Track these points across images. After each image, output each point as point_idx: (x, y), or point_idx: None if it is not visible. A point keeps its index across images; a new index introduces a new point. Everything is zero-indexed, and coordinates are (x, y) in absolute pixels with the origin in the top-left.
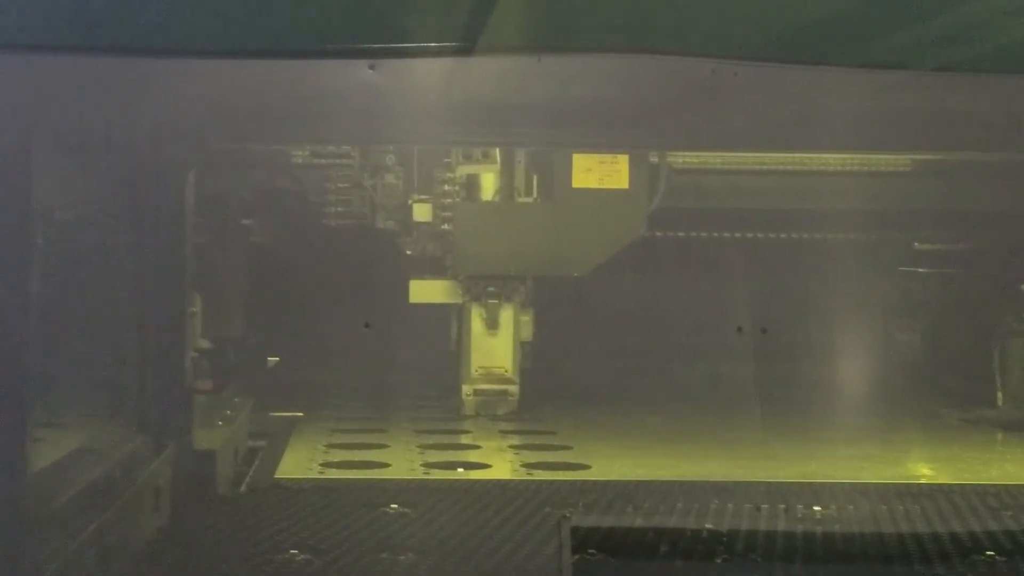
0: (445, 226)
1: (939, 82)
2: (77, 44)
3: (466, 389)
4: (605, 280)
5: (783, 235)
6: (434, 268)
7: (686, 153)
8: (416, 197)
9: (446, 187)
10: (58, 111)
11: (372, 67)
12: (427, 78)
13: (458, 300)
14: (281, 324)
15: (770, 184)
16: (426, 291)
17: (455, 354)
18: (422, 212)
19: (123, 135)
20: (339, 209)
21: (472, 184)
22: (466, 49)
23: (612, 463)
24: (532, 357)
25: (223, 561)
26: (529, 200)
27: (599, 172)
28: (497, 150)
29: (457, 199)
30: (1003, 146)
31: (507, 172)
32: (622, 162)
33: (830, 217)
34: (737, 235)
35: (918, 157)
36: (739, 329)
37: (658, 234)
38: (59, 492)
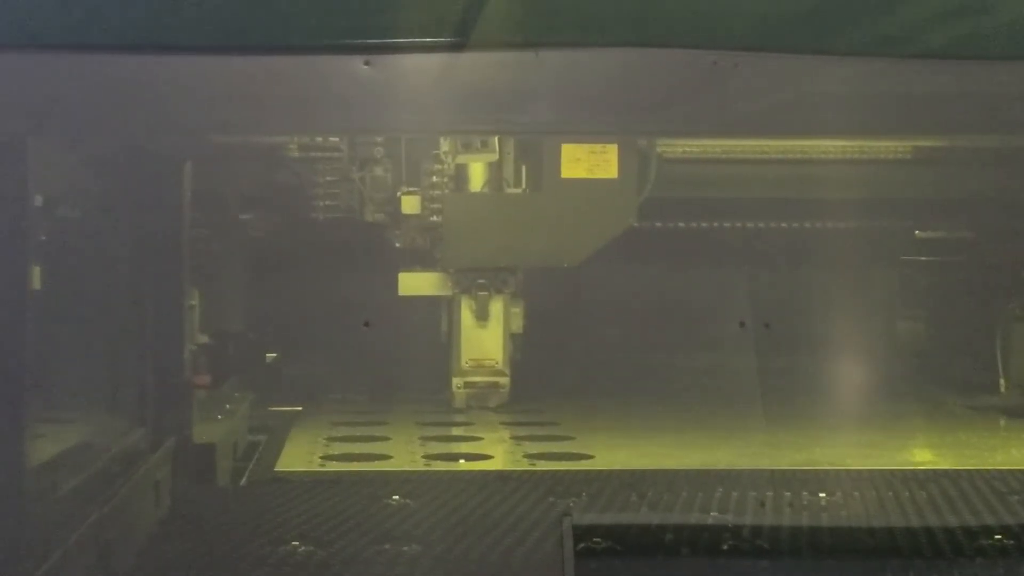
0: (434, 218)
1: (940, 67)
2: (72, 42)
3: (456, 382)
4: (598, 273)
5: (784, 224)
6: (424, 260)
7: (681, 143)
8: (405, 189)
9: (434, 179)
10: (55, 108)
11: (367, 63)
12: (421, 72)
13: (448, 292)
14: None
15: (770, 173)
16: (415, 284)
17: (446, 347)
18: (410, 204)
19: (120, 130)
20: (328, 203)
21: (461, 175)
22: (462, 44)
23: (614, 453)
24: (525, 349)
25: (224, 554)
26: (518, 191)
27: (588, 162)
28: (496, 140)
29: (446, 191)
30: (1006, 131)
31: (496, 163)
32: (611, 152)
33: (831, 206)
34: (738, 225)
35: (919, 144)
36: (741, 324)
37: (658, 224)
38: (59, 485)
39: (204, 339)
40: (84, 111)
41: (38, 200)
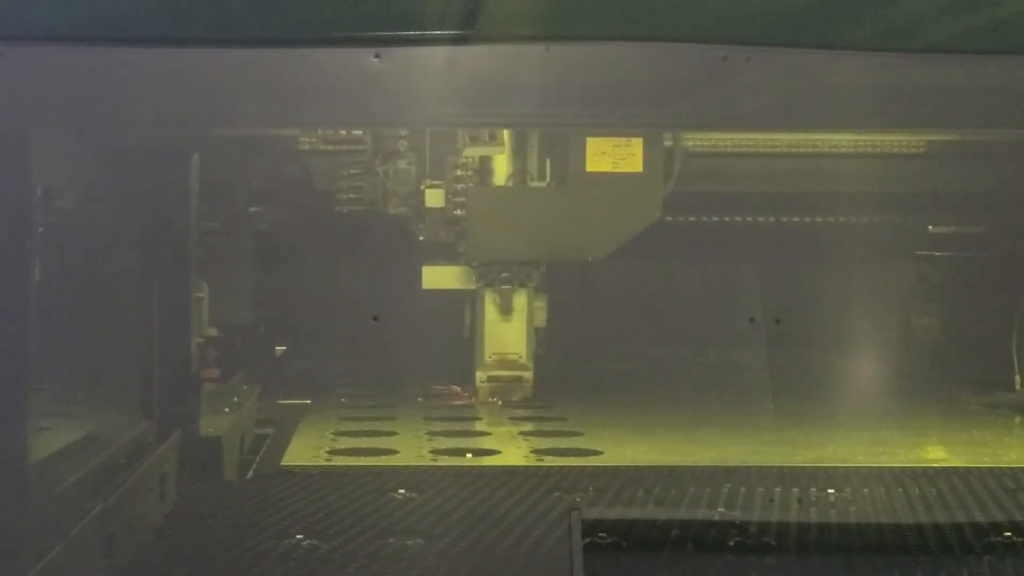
0: (458, 212)
1: (960, 61)
2: (90, 35)
3: (480, 376)
4: (612, 266)
5: (797, 219)
6: (447, 254)
7: (697, 136)
8: (428, 183)
9: (458, 172)
10: (64, 101)
11: (377, 55)
12: (431, 63)
13: (471, 286)
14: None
15: (785, 167)
16: (439, 277)
17: (468, 341)
18: (434, 198)
19: (130, 123)
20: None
21: (484, 169)
22: (472, 37)
23: (624, 449)
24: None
25: (228, 547)
26: (542, 184)
27: (613, 156)
28: (504, 133)
29: (469, 184)
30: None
31: (519, 157)
32: (636, 145)
33: (845, 201)
34: (760, 219)
35: (933, 138)
36: (751, 320)
37: (668, 219)
38: (65, 477)
39: None
40: (98, 105)
41: (43, 191)
